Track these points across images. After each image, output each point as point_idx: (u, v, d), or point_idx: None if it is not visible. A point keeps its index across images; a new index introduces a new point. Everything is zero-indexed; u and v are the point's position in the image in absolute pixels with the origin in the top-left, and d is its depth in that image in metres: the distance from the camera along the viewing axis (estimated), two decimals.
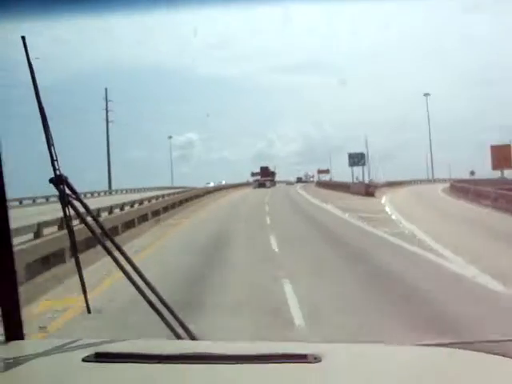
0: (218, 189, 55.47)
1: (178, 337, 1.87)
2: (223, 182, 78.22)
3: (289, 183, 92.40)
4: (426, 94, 61.67)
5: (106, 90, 69.32)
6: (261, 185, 76.20)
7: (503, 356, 1.49)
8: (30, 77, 1.58)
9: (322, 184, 70.14)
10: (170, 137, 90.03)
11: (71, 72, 56.18)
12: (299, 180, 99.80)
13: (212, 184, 72.40)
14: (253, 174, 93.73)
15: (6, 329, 1.77)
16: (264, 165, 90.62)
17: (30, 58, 1.58)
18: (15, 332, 1.76)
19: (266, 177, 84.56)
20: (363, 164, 64.65)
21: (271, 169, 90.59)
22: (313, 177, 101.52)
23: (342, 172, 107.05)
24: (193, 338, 1.88)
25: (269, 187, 73.10)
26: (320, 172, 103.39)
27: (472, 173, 61.15)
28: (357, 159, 65.19)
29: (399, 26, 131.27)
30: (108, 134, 69.01)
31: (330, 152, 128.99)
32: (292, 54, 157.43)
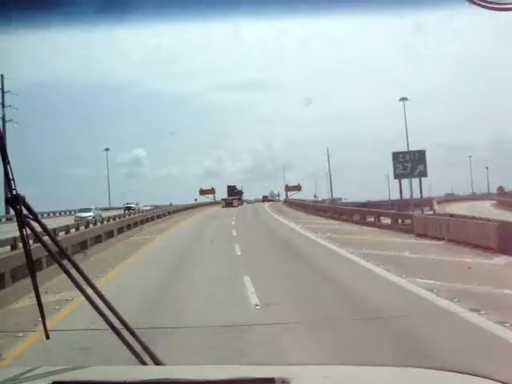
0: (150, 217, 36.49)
1: (142, 362, 1.80)
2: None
3: (249, 202, 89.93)
4: (404, 99, 43.92)
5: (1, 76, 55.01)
6: (228, 204, 76.00)
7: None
8: None
9: (294, 204, 64.22)
10: (107, 149, 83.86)
11: (11, 84, 54.82)
12: (265, 198, 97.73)
13: (139, 206, 60.26)
14: (201, 192, 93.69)
15: None
16: (212, 183, 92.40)
17: None
18: None
19: (233, 196, 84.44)
20: (421, 175, 32.93)
21: (238, 188, 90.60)
22: (278, 195, 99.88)
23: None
24: (157, 362, 1.81)
25: (236, 206, 72.97)
26: (289, 189, 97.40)
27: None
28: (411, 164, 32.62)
29: (346, 44, 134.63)
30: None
31: (283, 168, 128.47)
32: (240, 71, 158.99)
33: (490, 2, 1.17)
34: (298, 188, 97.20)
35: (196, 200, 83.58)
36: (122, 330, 1.79)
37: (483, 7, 1.16)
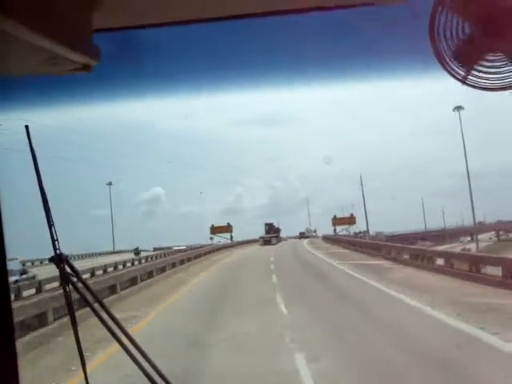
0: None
1: None
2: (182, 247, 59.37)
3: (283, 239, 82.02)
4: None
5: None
6: (266, 242, 75.60)
7: None
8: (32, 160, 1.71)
9: (336, 240, 56.57)
10: (110, 183, 76.21)
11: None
12: (302, 235, 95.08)
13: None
14: (213, 230, 77.89)
15: None
16: (230, 220, 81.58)
17: (33, 145, 1.71)
18: None
19: (271, 233, 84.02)
20: None
21: (276, 225, 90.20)
22: (315, 231, 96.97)
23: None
24: None
25: (274, 244, 72.54)
26: (338, 222, 76.70)
27: None
28: None
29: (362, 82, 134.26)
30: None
31: (300, 202, 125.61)
32: (254, 107, 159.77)
33: (481, 83, 1.26)
34: (350, 220, 74.83)
35: (212, 239, 75.63)
36: (157, 379, 1.88)
37: (475, 88, 1.25)
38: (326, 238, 71.09)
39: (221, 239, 75.68)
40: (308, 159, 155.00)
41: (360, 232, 72.65)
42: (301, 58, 2.14)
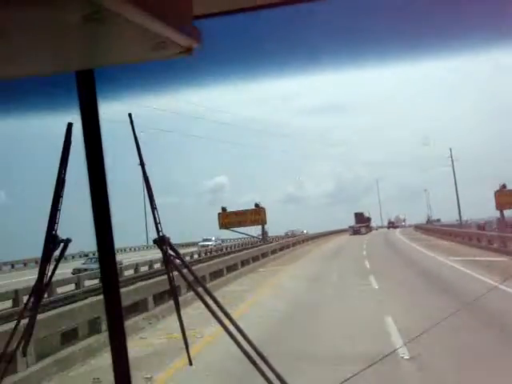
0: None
1: None
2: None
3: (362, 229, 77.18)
4: None
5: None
6: (356, 231, 74.76)
7: None
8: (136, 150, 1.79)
9: (430, 230, 51.78)
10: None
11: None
12: (391, 224, 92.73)
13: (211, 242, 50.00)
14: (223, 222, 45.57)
15: (116, 376, 1.90)
16: (292, 208, 72.45)
17: (136, 133, 1.79)
18: (123, 380, 1.89)
19: (360, 223, 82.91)
20: None
21: (366, 214, 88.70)
22: (404, 220, 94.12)
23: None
24: None
25: (364, 234, 71.51)
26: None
27: None
28: None
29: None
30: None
31: (377, 182, 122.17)
32: (319, 95, 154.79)
33: None
34: None
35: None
36: (257, 360, 1.91)
37: None
38: (417, 228, 69.30)
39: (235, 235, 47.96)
40: (375, 144, 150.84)
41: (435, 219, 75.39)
42: (363, 38, 2.06)
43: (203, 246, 46.80)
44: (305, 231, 75.56)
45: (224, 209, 44.38)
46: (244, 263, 25.24)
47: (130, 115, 1.78)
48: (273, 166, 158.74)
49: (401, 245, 37.84)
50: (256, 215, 43.64)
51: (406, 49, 2.07)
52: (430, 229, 56.29)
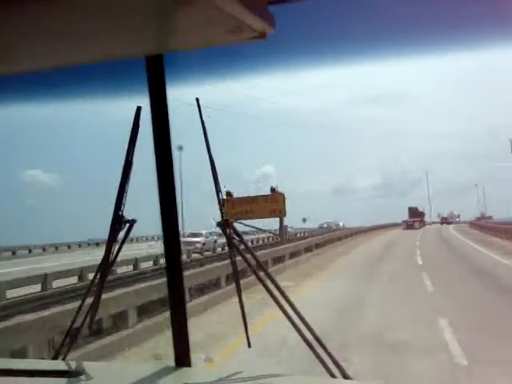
0: None
1: (332, 375, 1.92)
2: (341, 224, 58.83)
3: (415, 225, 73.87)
4: None
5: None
6: (409, 226, 73.22)
7: None
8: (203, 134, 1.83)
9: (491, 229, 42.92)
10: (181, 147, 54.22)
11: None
12: (444, 220, 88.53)
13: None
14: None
15: (176, 355, 1.95)
16: (339, 201, 67.88)
17: (203, 118, 1.82)
18: (183, 359, 1.95)
19: (414, 217, 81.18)
20: None
21: (420, 209, 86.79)
22: (459, 216, 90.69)
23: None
24: (346, 377, 1.91)
25: (417, 228, 69.94)
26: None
27: None
28: None
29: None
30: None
31: (413, 182, 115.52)
32: (368, 86, 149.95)
33: None
34: None
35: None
36: (314, 343, 1.92)
37: None
38: (472, 224, 66.07)
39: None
40: (422, 137, 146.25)
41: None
42: (424, 28, 2.00)
43: (187, 243, 30.95)
44: (341, 224, 65.64)
45: (229, 193, 29.75)
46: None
47: (197, 100, 1.80)
48: (320, 157, 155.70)
49: (470, 251, 29.03)
50: (272, 203, 31.51)
51: (464, 39, 2.00)
52: (492, 227, 45.67)
